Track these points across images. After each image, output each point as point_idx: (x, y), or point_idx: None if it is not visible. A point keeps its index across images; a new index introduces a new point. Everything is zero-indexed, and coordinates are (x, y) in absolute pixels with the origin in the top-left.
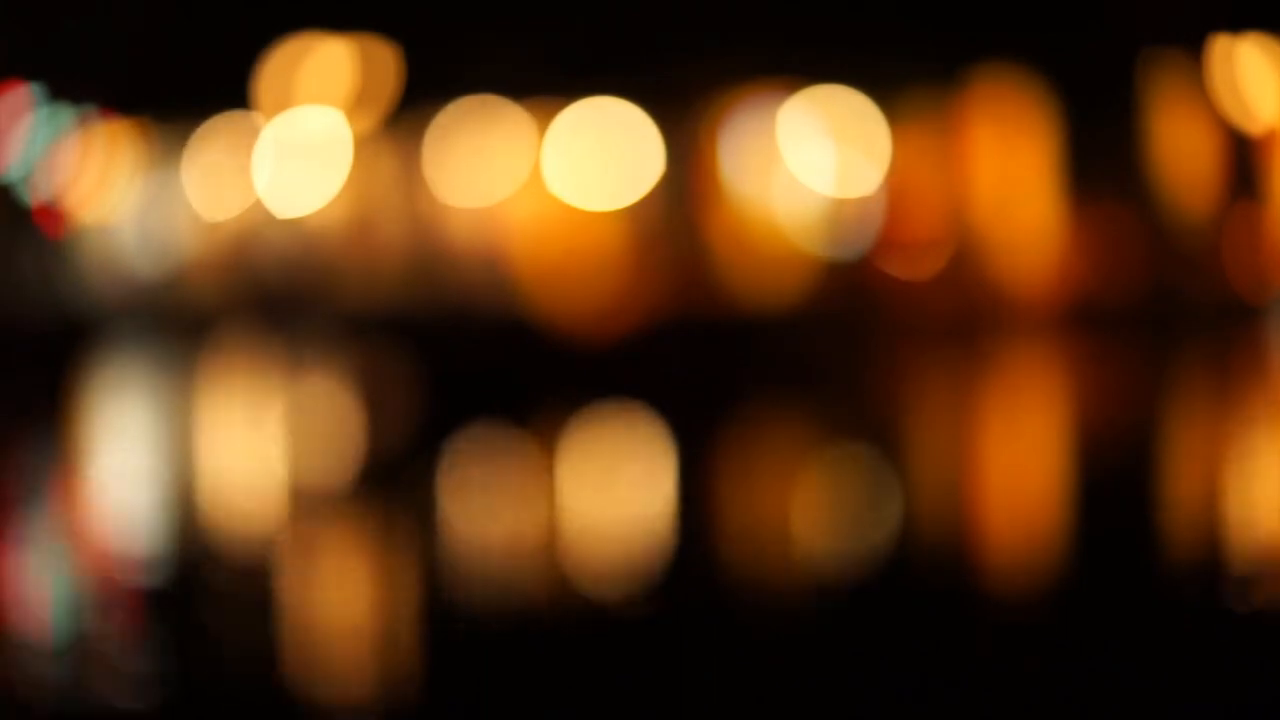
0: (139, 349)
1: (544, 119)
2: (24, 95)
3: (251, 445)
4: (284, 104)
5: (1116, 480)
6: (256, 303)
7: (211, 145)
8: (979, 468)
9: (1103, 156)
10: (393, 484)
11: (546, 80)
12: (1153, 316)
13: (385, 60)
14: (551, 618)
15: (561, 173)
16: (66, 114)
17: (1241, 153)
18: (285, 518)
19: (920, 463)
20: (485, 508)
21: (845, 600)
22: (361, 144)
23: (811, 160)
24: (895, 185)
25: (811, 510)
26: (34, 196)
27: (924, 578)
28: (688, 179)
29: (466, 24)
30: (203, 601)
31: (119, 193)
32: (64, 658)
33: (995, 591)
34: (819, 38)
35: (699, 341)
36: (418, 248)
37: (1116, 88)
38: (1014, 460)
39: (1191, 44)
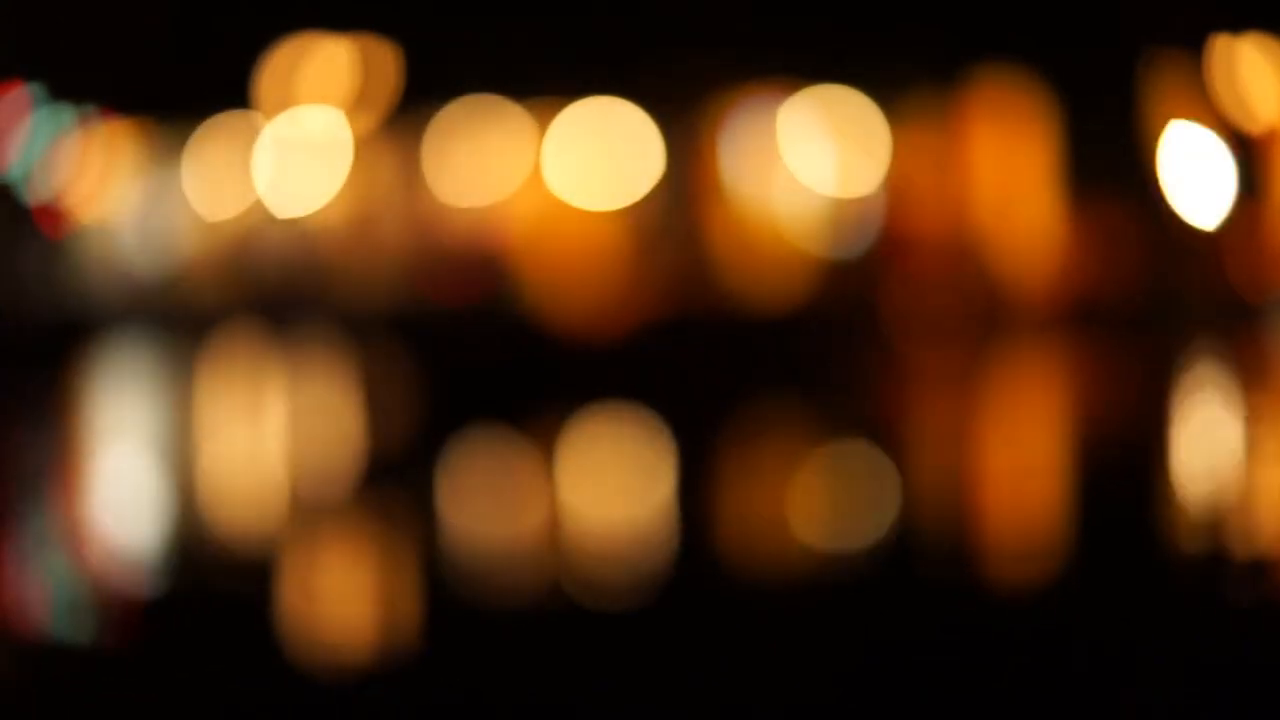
0: (139, 349)
1: (544, 119)
2: (24, 95)
3: (251, 445)
4: (284, 104)
5: (1116, 480)
6: (256, 303)
7: (211, 145)
8: (979, 467)
9: (1103, 157)
10: (392, 484)
11: (546, 80)
12: (1153, 316)
13: (385, 60)
14: (550, 617)
15: (561, 173)
16: (66, 114)
17: (1241, 153)
18: (285, 518)
19: (920, 462)
20: (484, 508)
21: (845, 600)
22: (361, 144)
23: (811, 160)
24: (895, 185)
25: (811, 510)
26: (34, 196)
27: (924, 577)
28: (688, 179)
29: (466, 24)
30: (202, 601)
31: (119, 193)
32: (64, 655)
33: (995, 590)
34: (819, 38)
35: (699, 341)
36: (418, 248)
37: (1117, 88)
38: (1014, 460)
39: (1191, 44)
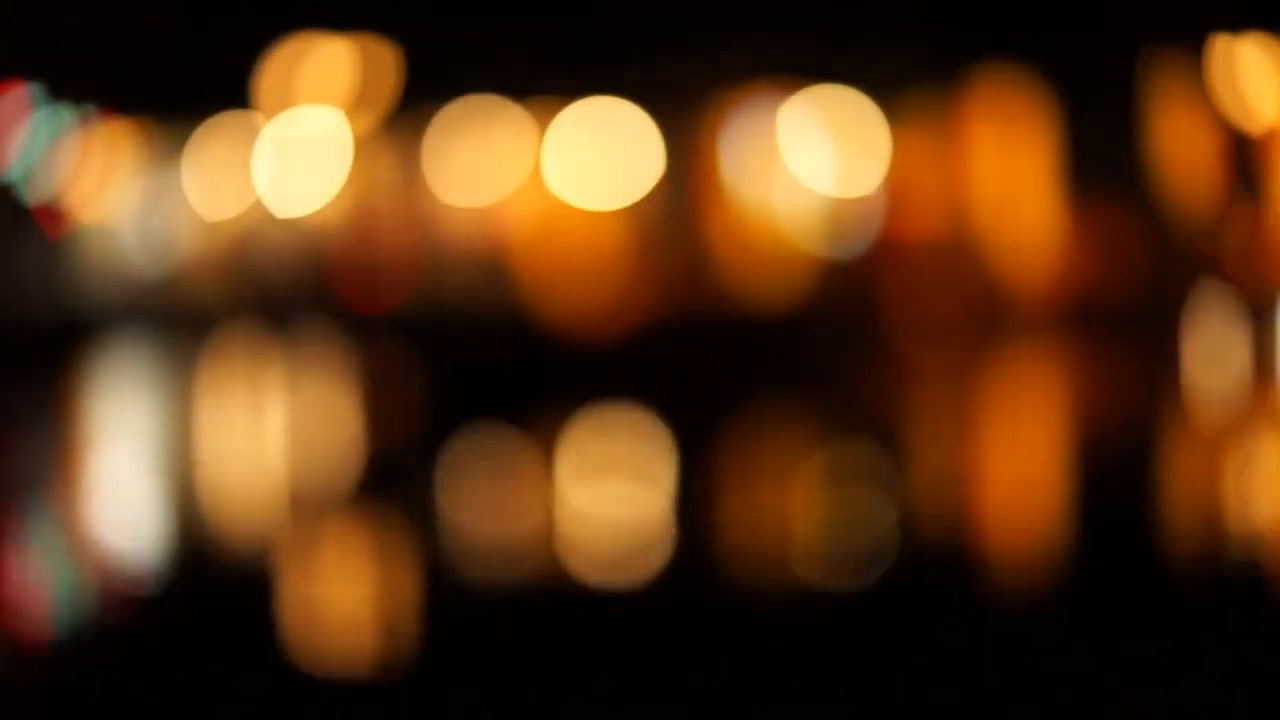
0: (139, 349)
1: (544, 119)
2: (24, 95)
3: (252, 445)
4: (284, 104)
5: (1116, 480)
6: (256, 303)
7: (211, 145)
8: (979, 467)
9: (1103, 156)
10: (393, 483)
11: (546, 80)
12: (1152, 316)
13: (385, 60)
14: (551, 617)
15: (561, 173)
16: (66, 114)
17: (1241, 153)
18: (285, 517)
19: (920, 463)
20: (484, 508)
21: (844, 600)
22: (361, 144)
23: (811, 160)
24: (895, 185)
25: (811, 510)
26: (34, 196)
27: (924, 578)
28: (688, 179)
29: (466, 24)
30: (203, 601)
31: (119, 193)
32: (64, 653)
33: (996, 590)
34: (819, 38)
35: (699, 341)
36: (418, 248)
37: (1116, 88)
38: (1014, 460)
39: (1191, 44)
